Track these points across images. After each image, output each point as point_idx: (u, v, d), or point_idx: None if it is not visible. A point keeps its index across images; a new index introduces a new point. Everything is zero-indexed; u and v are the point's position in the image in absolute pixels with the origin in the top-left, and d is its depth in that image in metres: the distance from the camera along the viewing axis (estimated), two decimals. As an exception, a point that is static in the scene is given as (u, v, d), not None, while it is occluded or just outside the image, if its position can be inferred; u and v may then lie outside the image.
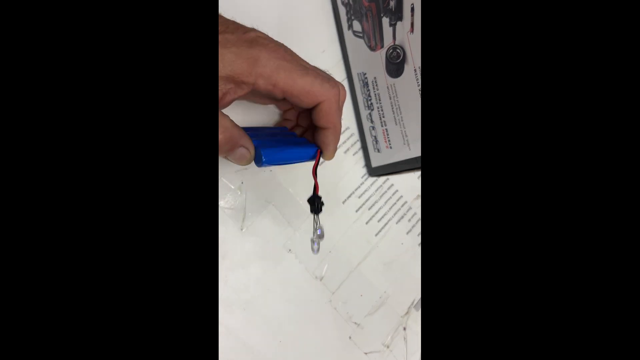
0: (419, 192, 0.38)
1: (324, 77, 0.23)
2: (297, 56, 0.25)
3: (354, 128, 0.35)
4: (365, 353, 0.33)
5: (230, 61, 0.20)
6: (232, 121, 0.22)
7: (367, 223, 0.35)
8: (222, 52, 0.20)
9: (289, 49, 0.24)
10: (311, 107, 0.23)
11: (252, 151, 0.23)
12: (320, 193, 0.29)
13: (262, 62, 0.21)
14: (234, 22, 0.22)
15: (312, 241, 0.25)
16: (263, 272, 0.30)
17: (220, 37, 0.21)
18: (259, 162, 0.24)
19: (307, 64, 0.25)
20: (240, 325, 0.29)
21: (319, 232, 0.25)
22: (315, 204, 0.25)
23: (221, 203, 0.30)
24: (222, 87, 0.21)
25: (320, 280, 0.32)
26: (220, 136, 0.21)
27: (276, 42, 0.23)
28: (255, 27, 0.26)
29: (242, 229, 0.30)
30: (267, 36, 0.23)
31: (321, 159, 0.26)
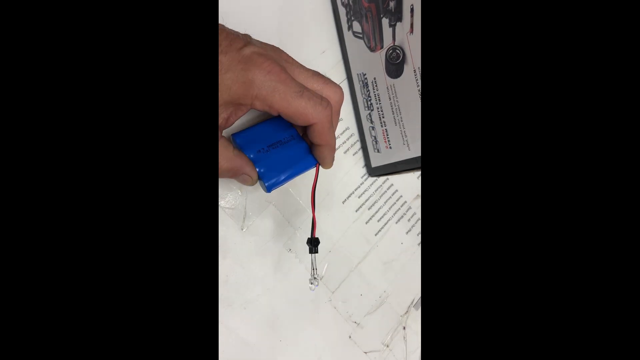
0: (418, 192, 0.38)
1: (317, 99, 0.23)
2: (295, 64, 0.24)
3: (353, 128, 0.36)
4: (365, 352, 0.33)
5: (227, 87, 0.21)
6: (234, 149, 0.24)
7: (366, 223, 0.35)
8: (221, 77, 0.21)
9: (284, 58, 0.24)
10: (305, 126, 0.24)
11: (255, 177, 0.25)
12: (320, 193, 0.32)
13: (257, 85, 0.21)
14: (226, 36, 0.21)
15: (310, 282, 0.28)
16: (263, 271, 0.30)
17: None
18: (264, 188, 0.26)
19: (303, 71, 0.24)
20: (241, 324, 0.29)
21: (316, 276, 0.27)
22: (314, 246, 0.27)
23: (222, 203, 0.30)
24: (224, 112, 0.22)
25: (320, 279, 0.32)
26: (224, 166, 0.23)
27: (272, 56, 0.23)
28: (255, 29, 0.26)
29: (242, 229, 0.30)
30: (262, 50, 0.22)
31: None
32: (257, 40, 0.24)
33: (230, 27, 0.24)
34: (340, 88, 0.26)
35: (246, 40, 0.22)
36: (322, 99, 0.23)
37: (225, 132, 0.27)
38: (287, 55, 0.25)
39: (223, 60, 0.21)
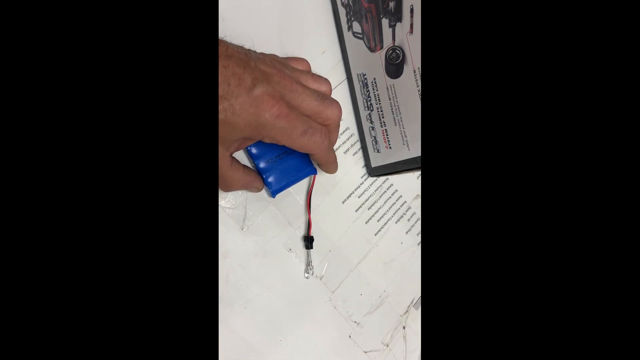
0: (418, 192, 0.38)
1: (317, 134, 0.25)
2: (299, 90, 0.24)
3: (353, 128, 0.36)
4: (365, 352, 0.34)
5: (240, 130, 0.23)
6: (244, 169, 0.27)
7: (366, 223, 0.35)
8: (235, 121, 0.22)
9: (288, 88, 0.24)
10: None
11: (262, 186, 0.29)
12: (320, 193, 0.34)
13: (267, 128, 0.23)
14: (232, 72, 0.21)
15: (305, 272, 0.32)
16: (263, 271, 0.31)
17: (225, 104, 0.21)
18: (268, 194, 0.31)
19: (306, 98, 0.24)
20: (241, 324, 0.29)
21: (311, 270, 0.32)
22: (310, 242, 0.32)
23: (222, 203, 0.30)
24: (235, 144, 0.25)
25: (320, 279, 0.33)
26: (238, 185, 0.27)
27: (279, 92, 0.23)
28: (256, 30, 0.26)
29: (242, 229, 0.30)
30: (270, 88, 0.23)
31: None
32: (258, 56, 0.24)
33: (231, 27, 0.24)
34: (339, 107, 0.27)
35: (253, 72, 0.22)
36: (321, 131, 0.26)
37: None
38: (290, 79, 0.24)
39: (235, 104, 0.22)
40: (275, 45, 0.33)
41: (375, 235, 0.35)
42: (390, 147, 0.32)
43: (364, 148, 0.35)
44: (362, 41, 0.33)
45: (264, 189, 0.30)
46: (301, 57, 0.29)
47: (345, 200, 0.35)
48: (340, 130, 0.35)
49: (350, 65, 0.35)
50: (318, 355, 0.32)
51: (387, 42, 0.30)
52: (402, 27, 0.28)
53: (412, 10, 0.27)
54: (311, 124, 0.25)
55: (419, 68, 0.27)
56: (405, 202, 0.37)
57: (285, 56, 0.29)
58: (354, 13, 0.33)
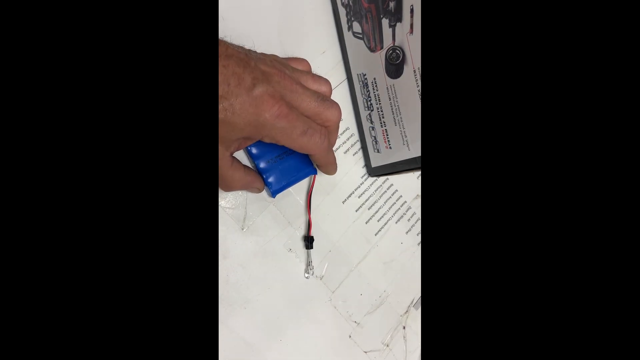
0: (418, 192, 0.38)
1: (317, 135, 0.25)
2: (299, 91, 0.24)
3: (353, 128, 0.36)
4: (365, 352, 0.34)
5: (240, 129, 0.23)
6: (244, 169, 0.27)
7: (366, 223, 0.35)
8: (235, 121, 0.22)
9: (289, 88, 0.24)
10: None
11: (262, 187, 0.29)
12: (320, 193, 0.34)
13: (267, 128, 0.23)
14: (232, 71, 0.21)
15: (305, 272, 0.32)
16: (263, 271, 0.31)
17: (225, 104, 0.21)
18: (269, 194, 0.31)
19: (306, 98, 0.24)
20: (241, 324, 0.29)
21: (311, 270, 0.33)
22: (310, 242, 0.32)
23: (222, 203, 0.30)
24: (235, 143, 0.25)
25: (320, 279, 0.33)
26: (237, 185, 0.27)
27: (280, 92, 0.23)
28: (256, 30, 0.25)
29: (242, 229, 0.30)
30: (270, 88, 0.23)
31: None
32: (258, 56, 0.24)
33: (231, 27, 0.23)
34: (339, 109, 0.27)
35: (253, 72, 0.22)
36: (321, 132, 0.26)
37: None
38: (290, 79, 0.24)
39: (235, 104, 0.22)
40: (275, 45, 0.33)
41: (375, 235, 0.35)
42: (390, 147, 0.32)
43: (364, 148, 0.35)
44: (362, 41, 0.33)
45: (264, 189, 0.30)
46: (301, 57, 0.29)
47: (345, 200, 0.35)
48: (340, 130, 0.35)
49: (350, 65, 0.35)
50: (318, 355, 0.32)
51: (387, 42, 0.30)
52: (402, 27, 0.28)
53: (412, 10, 0.27)
54: (311, 125, 0.25)
55: (419, 68, 0.27)
56: (405, 202, 0.37)
57: (285, 56, 0.29)
58: (354, 13, 0.33)
